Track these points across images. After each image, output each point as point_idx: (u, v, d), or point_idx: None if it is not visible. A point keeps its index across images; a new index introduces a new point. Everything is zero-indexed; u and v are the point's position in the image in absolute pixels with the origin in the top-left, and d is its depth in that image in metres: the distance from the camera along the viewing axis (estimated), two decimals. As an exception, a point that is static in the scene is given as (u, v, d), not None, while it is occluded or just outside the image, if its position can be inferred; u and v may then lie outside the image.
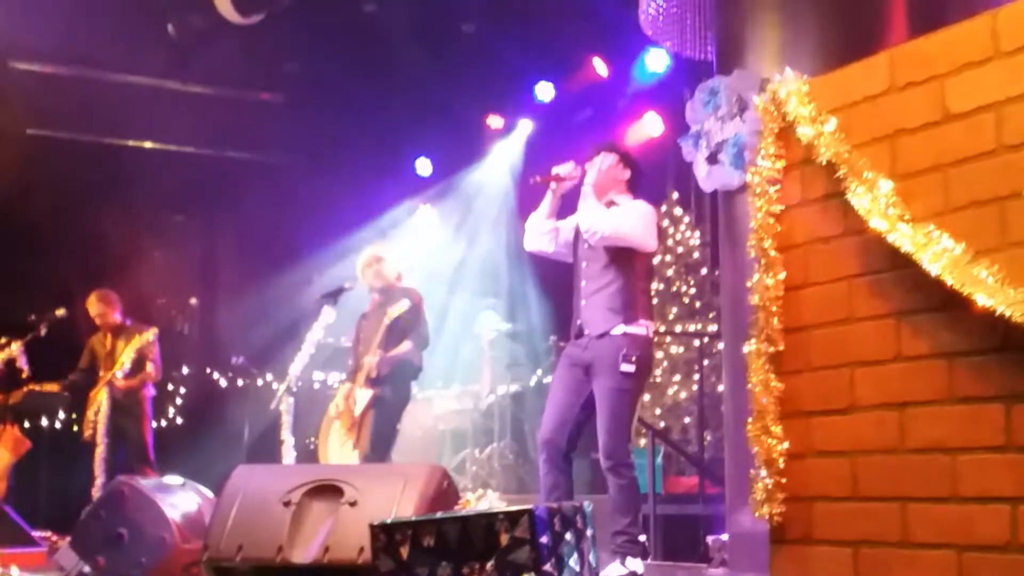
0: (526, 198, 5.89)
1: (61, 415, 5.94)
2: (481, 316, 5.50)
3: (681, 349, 5.76)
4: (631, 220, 2.74)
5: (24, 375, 4.30)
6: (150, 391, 4.59)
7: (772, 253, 1.93)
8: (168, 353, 4.81)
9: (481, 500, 3.53)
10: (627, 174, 2.86)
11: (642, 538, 2.72)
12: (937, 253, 1.63)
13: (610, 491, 2.67)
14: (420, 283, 4.40)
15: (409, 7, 5.61)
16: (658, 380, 5.72)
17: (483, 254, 6.53)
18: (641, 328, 2.71)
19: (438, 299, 5.92)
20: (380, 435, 3.64)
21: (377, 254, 3.92)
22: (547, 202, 2.88)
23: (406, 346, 3.73)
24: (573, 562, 1.95)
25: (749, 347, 1.93)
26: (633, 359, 2.66)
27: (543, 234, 2.88)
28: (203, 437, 5.88)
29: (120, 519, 2.67)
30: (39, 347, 4.37)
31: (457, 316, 6.06)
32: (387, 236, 6.05)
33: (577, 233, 2.84)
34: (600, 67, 5.96)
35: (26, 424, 4.96)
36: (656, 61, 5.59)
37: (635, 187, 2.89)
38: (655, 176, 6.03)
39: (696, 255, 6.01)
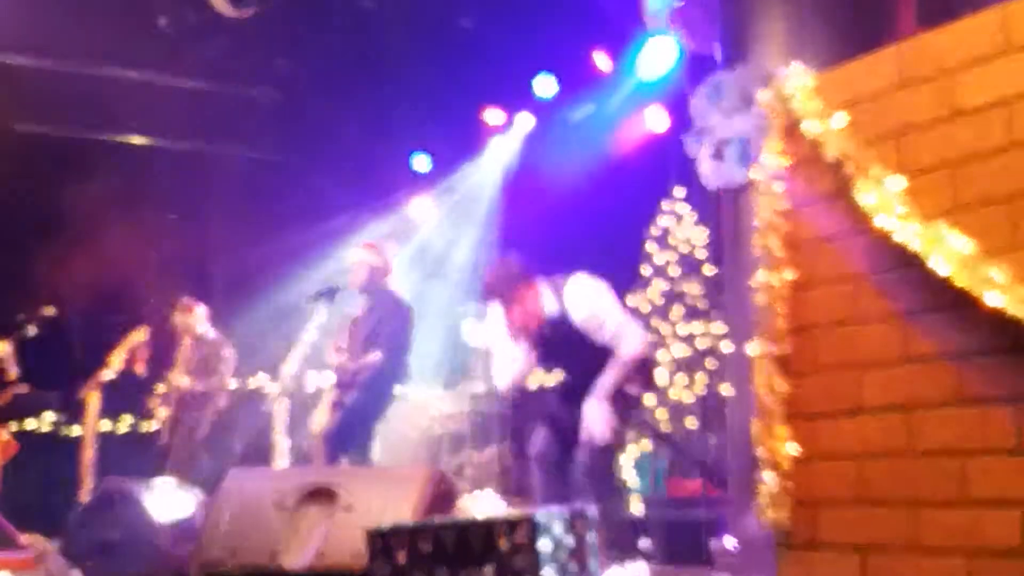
0: (514, 198, 5.81)
1: (50, 417, 5.88)
2: (463, 325, 5.45)
3: (685, 350, 5.72)
4: (617, 330, 2.61)
5: (12, 376, 4.26)
6: (215, 402, 4.66)
7: (778, 252, 1.91)
8: (162, 353, 4.78)
9: (479, 504, 3.49)
10: (531, 295, 2.64)
11: (643, 543, 2.69)
12: (946, 252, 1.60)
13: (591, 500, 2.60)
14: (416, 282, 4.34)
15: (405, 1, 5.56)
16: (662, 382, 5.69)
17: (473, 254, 6.48)
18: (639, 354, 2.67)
19: (434, 299, 5.87)
20: (341, 434, 3.58)
21: (362, 258, 3.84)
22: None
23: (374, 356, 3.66)
24: (573, 567, 1.91)
25: (754, 348, 1.90)
26: (637, 382, 2.67)
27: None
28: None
29: (110, 523, 2.62)
30: (28, 348, 4.32)
31: (453, 316, 6.02)
32: (382, 233, 6.01)
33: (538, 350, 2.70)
34: (602, 61, 5.91)
35: (13, 427, 4.92)
36: (660, 56, 5.54)
37: (533, 278, 2.68)
38: (659, 173, 6.00)
39: (700, 254, 5.97)
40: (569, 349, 2.68)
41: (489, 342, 2.73)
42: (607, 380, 2.60)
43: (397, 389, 3.87)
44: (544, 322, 2.67)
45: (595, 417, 2.57)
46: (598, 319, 2.63)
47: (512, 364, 2.73)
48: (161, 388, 4.62)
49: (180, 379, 4.56)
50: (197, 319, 4.71)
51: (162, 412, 4.62)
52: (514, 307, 2.65)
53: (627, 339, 2.63)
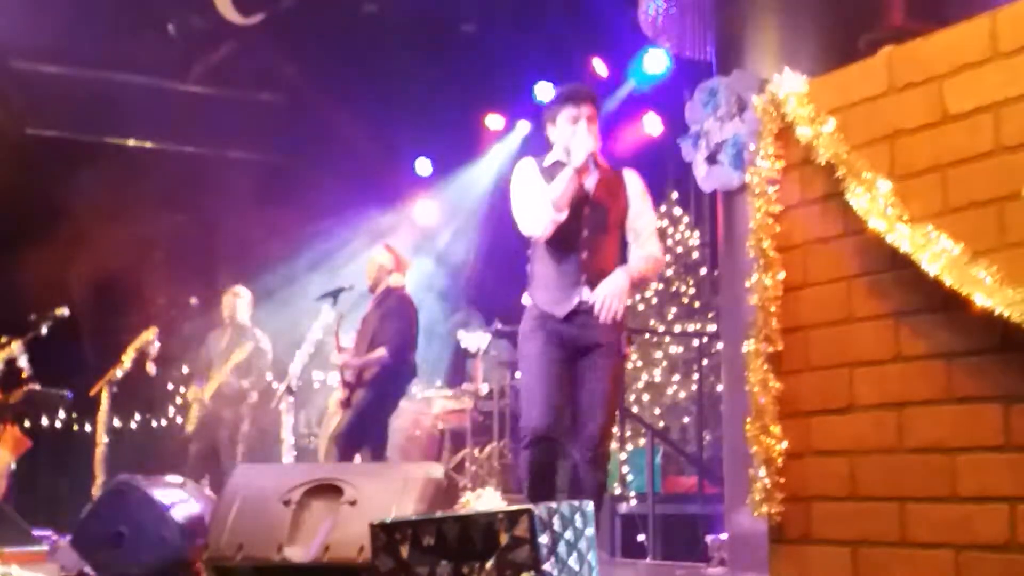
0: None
1: (61, 414, 5.96)
2: (460, 334, 5.52)
3: (680, 349, 5.78)
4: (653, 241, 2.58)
5: (24, 375, 4.33)
6: (250, 396, 4.70)
7: (771, 253, 1.93)
8: (168, 353, 4.85)
9: (480, 499, 3.54)
10: (597, 124, 2.52)
11: (640, 538, 2.69)
12: (936, 253, 1.63)
13: (585, 487, 2.45)
14: (414, 285, 4.40)
15: (409, 7, 5.63)
16: (657, 380, 5.74)
17: (471, 256, 6.52)
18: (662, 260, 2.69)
19: (430, 300, 5.93)
20: (353, 432, 3.63)
21: (375, 259, 3.94)
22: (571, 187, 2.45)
23: (378, 352, 3.71)
24: (573, 561, 1.95)
25: (748, 347, 1.93)
26: (630, 339, 2.63)
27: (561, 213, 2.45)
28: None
29: (120, 518, 2.67)
30: (40, 346, 4.38)
31: (449, 319, 6.08)
32: (386, 237, 6.07)
33: (576, 195, 2.45)
34: (600, 67, 5.98)
35: (26, 423, 4.99)
36: (655, 61, 5.61)
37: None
38: (655, 176, 6.05)
39: (695, 255, 6.03)
40: (605, 205, 2.49)
41: (518, 189, 2.50)
42: (634, 265, 2.52)
43: (405, 386, 3.93)
44: (600, 155, 2.53)
45: (613, 289, 2.40)
46: (648, 205, 2.60)
47: (548, 200, 2.44)
48: (179, 385, 4.66)
49: (223, 375, 4.62)
50: (243, 305, 4.79)
51: (195, 407, 4.68)
52: (586, 121, 2.50)
53: (656, 241, 2.60)
